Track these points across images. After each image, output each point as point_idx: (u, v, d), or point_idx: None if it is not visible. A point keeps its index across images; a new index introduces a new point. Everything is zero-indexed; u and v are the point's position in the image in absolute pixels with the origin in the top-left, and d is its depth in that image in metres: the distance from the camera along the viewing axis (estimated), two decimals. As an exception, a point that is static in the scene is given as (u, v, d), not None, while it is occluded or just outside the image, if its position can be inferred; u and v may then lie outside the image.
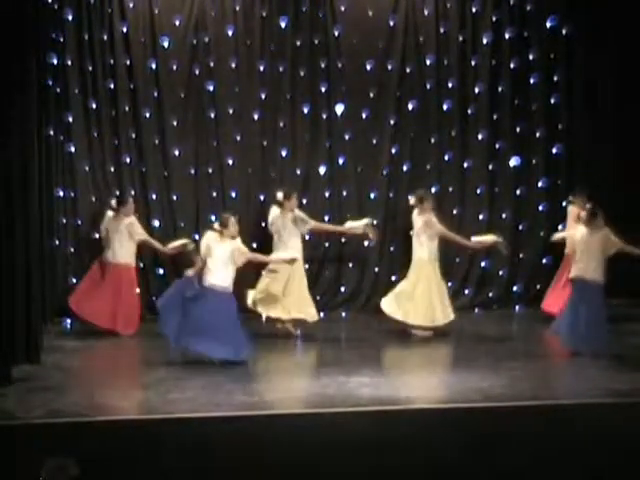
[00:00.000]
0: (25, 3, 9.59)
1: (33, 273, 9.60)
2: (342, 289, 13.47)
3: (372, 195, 13.53)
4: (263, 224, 12.56)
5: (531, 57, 13.59)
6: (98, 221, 12.33)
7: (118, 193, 12.63)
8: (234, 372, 9.51)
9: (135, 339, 11.57)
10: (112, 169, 12.92)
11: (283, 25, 13.22)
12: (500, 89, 13.59)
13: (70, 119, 12.76)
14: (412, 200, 11.99)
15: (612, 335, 10.48)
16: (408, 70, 13.45)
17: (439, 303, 11.67)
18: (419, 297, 11.60)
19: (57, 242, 12.65)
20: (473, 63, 13.54)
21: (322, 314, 12.42)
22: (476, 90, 13.57)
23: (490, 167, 13.67)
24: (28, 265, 9.44)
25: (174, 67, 13.01)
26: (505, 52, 13.57)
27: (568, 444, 7.64)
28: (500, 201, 13.67)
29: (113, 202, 12.11)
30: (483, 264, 13.12)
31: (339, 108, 13.33)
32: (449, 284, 12.63)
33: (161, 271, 12.77)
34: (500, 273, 13.61)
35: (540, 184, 13.71)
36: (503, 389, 8.73)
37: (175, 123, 13.03)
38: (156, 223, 12.84)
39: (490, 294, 13.61)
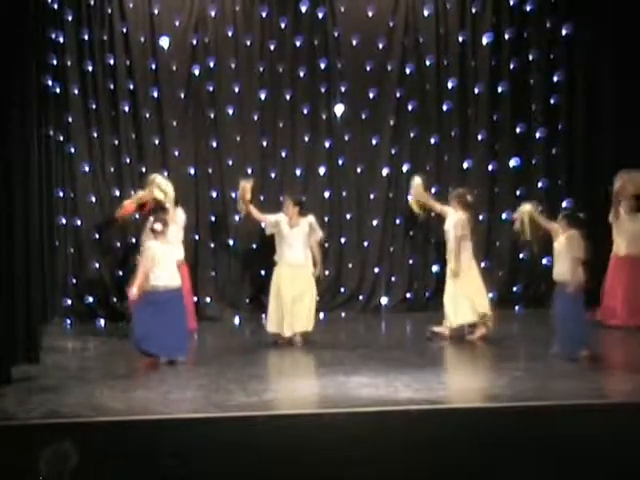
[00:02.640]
0: (25, 3, 9.60)
1: (33, 273, 9.60)
2: (342, 289, 13.48)
3: (372, 195, 13.53)
4: (262, 224, 12.54)
5: (531, 57, 13.61)
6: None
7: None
8: (234, 373, 9.50)
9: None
10: (112, 169, 12.94)
11: (283, 25, 13.24)
12: (500, 89, 13.60)
13: (70, 119, 12.79)
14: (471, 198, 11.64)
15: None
16: (408, 70, 13.47)
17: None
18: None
19: (57, 242, 12.67)
20: (473, 63, 13.57)
21: (322, 314, 12.46)
22: (476, 90, 13.58)
23: (490, 167, 13.67)
24: (28, 265, 9.43)
25: (174, 67, 13.04)
26: (505, 52, 13.59)
27: (568, 444, 7.63)
28: (500, 201, 13.68)
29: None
30: (483, 264, 13.08)
31: (339, 108, 13.34)
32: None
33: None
34: (500, 273, 13.61)
35: (540, 184, 13.72)
36: (503, 389, 8.72)
37: (175, 123, 13.05)
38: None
39: (490, 294, 13.58)
